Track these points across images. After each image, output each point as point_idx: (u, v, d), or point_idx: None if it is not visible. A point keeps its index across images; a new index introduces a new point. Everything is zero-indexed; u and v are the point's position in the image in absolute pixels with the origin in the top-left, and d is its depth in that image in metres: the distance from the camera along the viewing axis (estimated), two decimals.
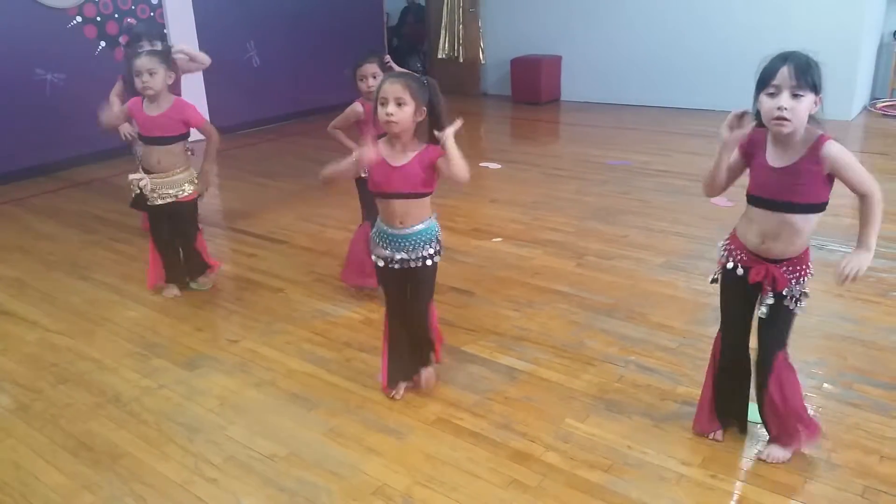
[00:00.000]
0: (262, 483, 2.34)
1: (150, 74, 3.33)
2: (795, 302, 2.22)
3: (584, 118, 8.38)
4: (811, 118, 2.03)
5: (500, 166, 6.26)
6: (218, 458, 2.47)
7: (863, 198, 2.03)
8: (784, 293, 2.19)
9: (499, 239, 4.48)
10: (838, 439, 2.45)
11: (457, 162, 2.44)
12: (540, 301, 3.58)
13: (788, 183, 2.06)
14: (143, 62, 3.33)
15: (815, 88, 1.97)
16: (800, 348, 3.00)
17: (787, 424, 2.31)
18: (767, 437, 2.39)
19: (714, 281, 2.37)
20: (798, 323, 3.12)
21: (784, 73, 1.95)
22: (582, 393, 2.78)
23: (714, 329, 2.48)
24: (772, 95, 1.99)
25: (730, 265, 2.27)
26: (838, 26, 7.12)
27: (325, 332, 3.34)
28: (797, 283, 2.19)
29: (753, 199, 2.17)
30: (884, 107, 7.81)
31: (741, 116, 2.08)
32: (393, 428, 2.61)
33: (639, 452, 2.42)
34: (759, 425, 2.44)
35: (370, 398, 2.79)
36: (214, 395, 2.85)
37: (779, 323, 2.27)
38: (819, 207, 2.09)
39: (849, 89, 7.31)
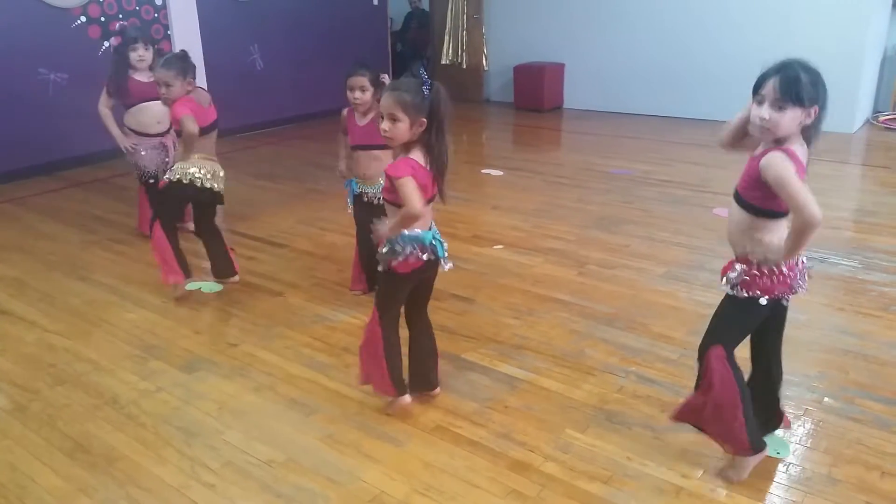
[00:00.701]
0: (259, 489, 2.33)
1: (167, 87, 3.45)
2: (731, 286, 2.19)
3: (586, 126, 8.38)
4: (808, 129, 2.05)
5: (501, 173, 6.26)
6: (215, 462, 2.45)
7: (794, 218, 2.00)
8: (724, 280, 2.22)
9: (500, 246, 4.47)
10: (839, 454, 2.44)
11: (399, 225, 2.43)
12: (540, 309, 3.57)
13: (743, 175, 2.15)
14: (160, 75, 3.44)
15: (802, 102, 1.99)
16: (801, 362, 3.00)
17: (723, 424, 2.28)
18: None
19: None
20: (799, 336, 3.16)
21: (770, 85, 2.01)
22: (582, 403, 2.76)
23: None
24: (759, 104, 2.05)
25: None
26: (842, 39, 7.13)
27: (324, 338, 3.33)
28: (736, 273, 2.18)
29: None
30: (886, 120, 7.82)
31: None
32: (391, 435, 2.59)
33: (639, 464, 2.41)
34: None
35: (369, 404, 2.78)
36: (213, 399, 2.83)
37: (718, 312, 2.30)
38: (759, 211, 2.10)
39: (851, 102, 7.31)
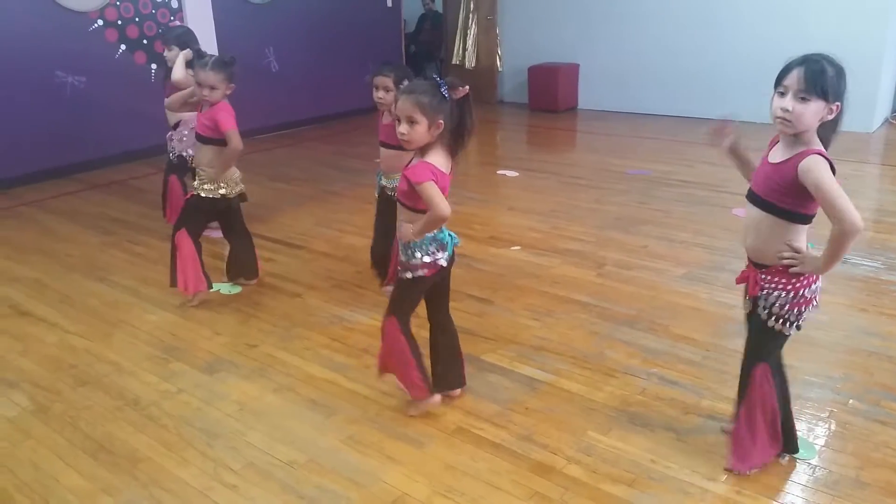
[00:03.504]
0: (281, 490, 2.32)
1: (211, 90, 3.42)
2: (774, 319, 2.17)
3: (601, 127, 8.35)
4: (826, 125, 2.02)
5: (517, 174, 6.24)
6: (237, 463, 2.45)
7: (833, 226, 1.99)
8: (758, 301, 2.18)
9: (517, 247, 4.45)
10: (866, 457, 2.40)
11: (424, 228, 2.45)
12: (559, 310, 3.55)
13: (768, 178, 2.09)
14: (205, 77, 3.40)
15: (826, 96, 1.95)
16: (824, 363, 2.97)
17: (754, 438, 2.30)
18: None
19: None
20: (822, 338, 3.12)
21: (794, 76, 1.97)
22: (604, 405, 2.74)
23: (738, 342, 2.44)
24: (781, 95, 2.01)
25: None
26: (860, 38, 7.05)
27: (343, 339, 3.32)
28: (773, 293, 2.15)
29: (747, 193, 2.20)
30: None
31: (719, 130, 2.30)
32: (412, 437, 2.58)
33: (662, 467, 2.39)
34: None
35: (389, 406, 2.77)
36: (234, 400, 2.84)
37: (753, 333, 2.27)
38: (793, 216, 2.07)
39: (870, 101, 7.24)
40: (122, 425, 2.69)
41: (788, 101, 1.97)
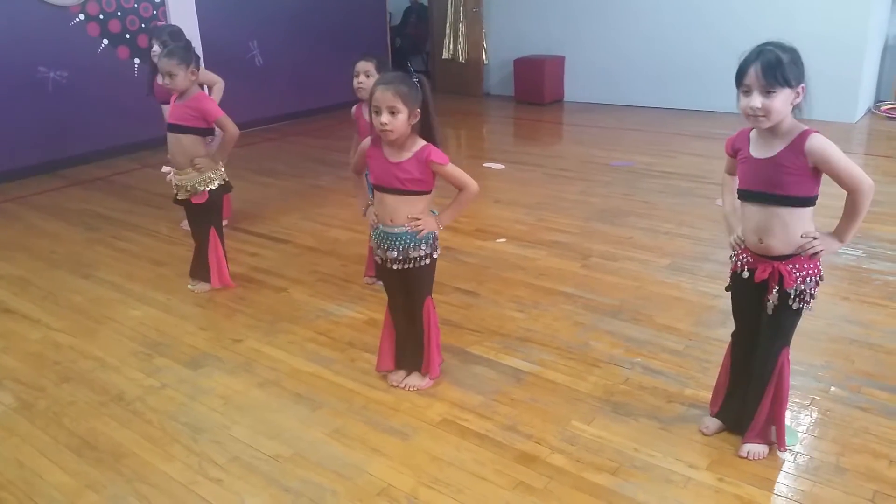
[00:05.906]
0: (266, 483, 2.33)
1: (171, 77, 3.37)
2: (800, 301, 2.20)
3: (587, 119, 8.36)
4: (797, 108, 2.04)
5: (503, 167, 6.24)
6: (222, 458, 2.45)
7: (849, 193, 2.08)
8: (790, 291, 2.18)
9: (503, 239, 4.46)
10: (847, 443, 2.43)
11: (461, 208, 2.64)
12: (545, 302, 3.56)
13: (772, 174, 2.08)
14: (162, 65, 3.37)
15: (789, 82, 1.97)
16: (806, 351, 3.00)
17: (774, 420, 2.35)
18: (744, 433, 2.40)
19: (728, 288, 2.38)
20: (804, 326, 3.12)
21: (752, 74, 1.98)
22: (588, 395, 2.76)
23: (721, 331, 2.48)
24: (746, 94, 2.02)
25: (737, 268, 2.30)
26: (843, 28, 7.10)
27: (328, 332, 3.32)
28: (804, 281, 2.18)
29: (742, 194, 2.20)
30: (888, 109, 7.78)
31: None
32: (398, 429, 2.59)
33: (646, 455, 2.40)
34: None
35: (374, 398, 2.78)
36: (218, 395, 2.83)
37: (784, 320, 2.27)
38: (807, 201, 2.10)
39: (853, 92, 7.27)
40: (106, 421, 2.68)
41: (756, 99, 1.98)
